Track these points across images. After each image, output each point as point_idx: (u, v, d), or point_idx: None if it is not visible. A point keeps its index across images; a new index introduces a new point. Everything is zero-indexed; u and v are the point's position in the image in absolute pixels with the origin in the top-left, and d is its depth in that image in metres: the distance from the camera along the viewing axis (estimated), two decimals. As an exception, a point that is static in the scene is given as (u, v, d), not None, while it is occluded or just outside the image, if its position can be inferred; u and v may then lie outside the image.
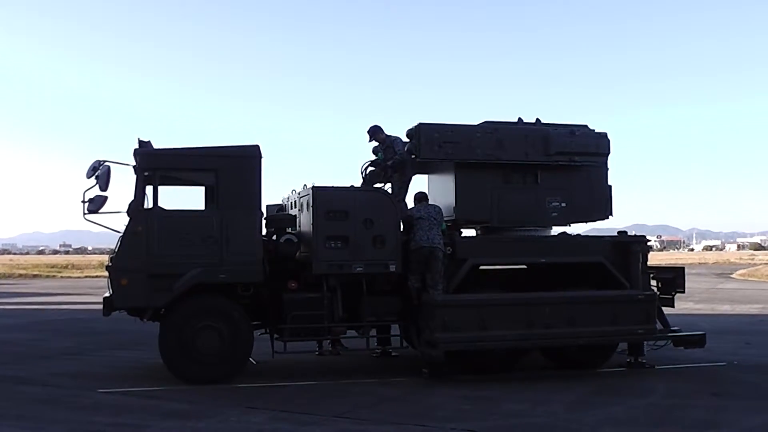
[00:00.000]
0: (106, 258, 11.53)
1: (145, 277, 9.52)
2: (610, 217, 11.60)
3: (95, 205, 9.58)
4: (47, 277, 50.13)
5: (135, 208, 9.67)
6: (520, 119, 11.30)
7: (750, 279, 42.62)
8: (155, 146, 10.25)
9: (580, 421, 7.83)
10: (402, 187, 11.07)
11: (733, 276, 46.00)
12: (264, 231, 10.38)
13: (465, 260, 10.43)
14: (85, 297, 26.64)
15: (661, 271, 11.99)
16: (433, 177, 12.02)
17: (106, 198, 9.60)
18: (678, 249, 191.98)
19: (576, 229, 11.69)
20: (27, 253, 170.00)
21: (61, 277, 49.88)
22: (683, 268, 12.15)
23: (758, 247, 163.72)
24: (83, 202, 9.62)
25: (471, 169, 10.81)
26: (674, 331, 11.24)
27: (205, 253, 9.68)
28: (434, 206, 10.61)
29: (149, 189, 9.78)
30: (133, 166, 9.84)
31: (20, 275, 50.36)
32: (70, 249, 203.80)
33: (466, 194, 10.83)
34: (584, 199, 11.26)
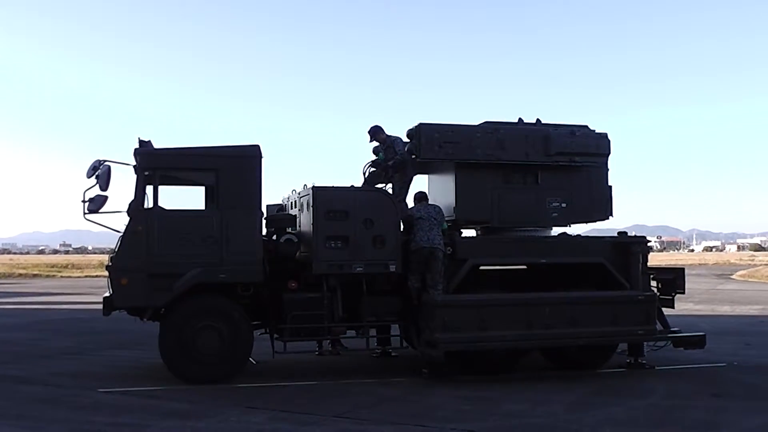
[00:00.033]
0: (106, 258, 11.53)
1: (145, 277, 9.52)
2: (610, 217, 11.61)
3: (95, 204, 9.58)
4: (47, 276, 50.16)
5: (135, 208, 9.67)
6: (520, 119, 11.30)
7: (750, 280, 42.63)
8: (155, 146, 10.25)
9: (580, 421, 7.82)
10: (403, 188, 11.08)
11: (733, 277, 46.03)
12: (264, 231, 10.38)
13: (465, 260, 10.43)
14: (85, 297, 26.65)
15: (661, 272, 11.98)
16: (434, 177, 12.02)
17: (106, 198, 9.60)
18: (678, 250, 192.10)
19: (576, 229, 11.72)
20: (27, 253, 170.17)
21: (61, 276, 49.91)
22: (683, 269, 12.15)
23: (758, 248, 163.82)
24: (83, 201, 9.62)
25: (471, 170, 10.81)
26: (674, 331, 11.24)
27: (205, 253, 9.68)
28: (434, 206, 10.61)
29: (149, 189, 9.78)
30: (134, 166, 9.84)
31: (20, 275, 50.39)
32: (70, 249, 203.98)
33: (467, 194, 10.82)
34: (584, 200, 11.25)
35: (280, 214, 11.25)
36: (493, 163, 10.79)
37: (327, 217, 9.94)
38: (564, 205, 11.08)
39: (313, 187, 10.05)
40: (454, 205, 10.82)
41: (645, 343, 11.02)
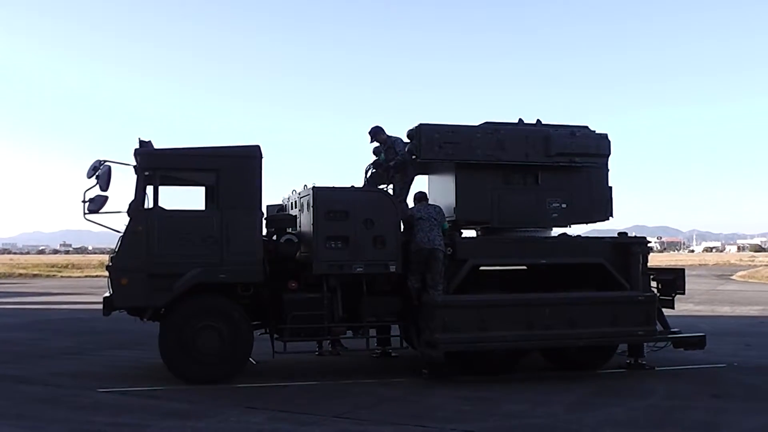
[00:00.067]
0: (106, 258, 11.54)
1: (146, 277, 9.52)
2: (610, 218, 11.61)
3: (96, 204, 9.58)
4: (47, 276, 50.15)
5: (135, 208, 9.67)
6: (520, 120, 11.31)
7: (750, 280, 42.63)
8: (156, 146, 10.26)
9: (580, 422, 7.82)
10: (404, 188, 11.09)
11: (733, 277, 46.03)
12: (264, 231, 10.38)
13: (465, 261, 10.43)
14: (85, 297, 26.64)
15: (661, 273, 11.97)
16: (434, 177, 12.02)
17: (106, 198, 9.61)
18: (678, 250, 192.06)
19: (576, 230, 11.72)
20: (27, 253, 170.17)
21: (61, 276, 49.92)
22: (683, 270, 12.15)
23: (758, 248, 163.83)
24: (84, 201, 9.62)
25: (471, 170, 10.81)
26: (674, 332, 11.23)
27: (205, 253, 9.68)
28: (435, 206, 10.61)
29: (150, 189, 9.79)
30: (134, 166, 9.84)
31: (20, 275, 50.38)
32: (71, 249, 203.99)
33: (467, 195, 10.82)
34: (584, 200, 11.26)
35: (280, 215, 11.25)
36: (493, 164, 10.79)
37: (327, 217, 9.95)
38: (564, 205, 11.08)
39: (314, 188, 10.05)
40: (454, 205, 10.82)
41: (645, 343, 11.02)
